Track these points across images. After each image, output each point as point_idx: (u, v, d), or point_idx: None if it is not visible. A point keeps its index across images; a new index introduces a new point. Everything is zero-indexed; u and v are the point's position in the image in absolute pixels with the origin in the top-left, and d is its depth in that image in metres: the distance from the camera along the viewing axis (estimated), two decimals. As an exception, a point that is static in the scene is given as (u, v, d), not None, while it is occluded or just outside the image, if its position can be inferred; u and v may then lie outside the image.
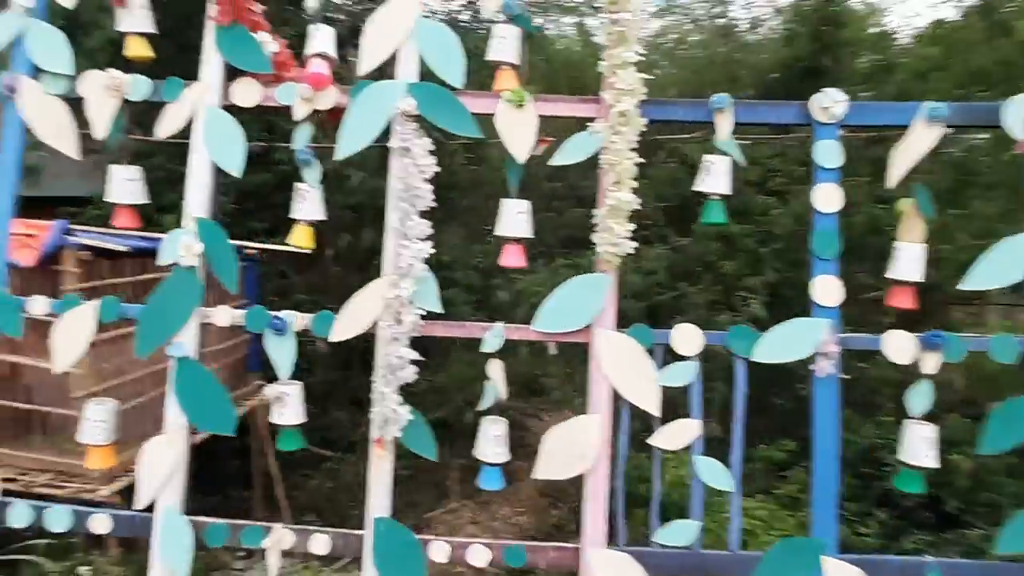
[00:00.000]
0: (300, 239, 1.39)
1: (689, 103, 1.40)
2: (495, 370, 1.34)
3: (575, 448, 1.30)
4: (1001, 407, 1.27)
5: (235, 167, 1.34)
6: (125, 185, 1.37)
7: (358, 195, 7.00)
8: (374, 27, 1.36)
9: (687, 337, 1.32)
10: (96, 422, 1.34)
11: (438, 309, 1.31)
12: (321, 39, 1.36)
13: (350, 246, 7.16)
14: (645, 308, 6.06)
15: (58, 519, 1.31)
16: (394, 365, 1.27)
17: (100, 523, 1.30)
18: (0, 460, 4.38)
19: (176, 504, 1.29)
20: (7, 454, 4.44)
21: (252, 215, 7.07)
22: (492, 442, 1.33)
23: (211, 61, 1.36)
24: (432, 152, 1.33)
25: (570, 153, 1.35)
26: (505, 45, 1.37)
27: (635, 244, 1.30)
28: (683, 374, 1.32)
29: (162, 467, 1.29)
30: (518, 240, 1.37)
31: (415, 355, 1.29)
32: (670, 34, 8.52)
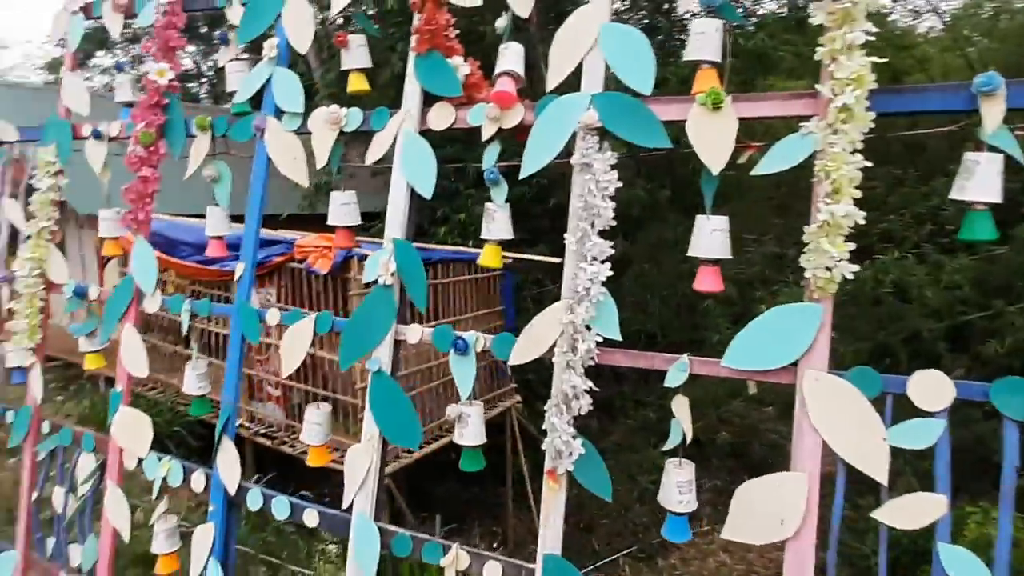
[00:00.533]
0: (489, 259, 1.38)
1: (940, 88, 1.10)
2: (681, 407, 1.19)
3: (774, 509, 1.09)
4: None
5: (427, 190, 1.38)
6: (342, 209, 1.49)
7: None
8: (561, 38, 1.30)
9: (931, 387, 1.03)
10: (313, 424, 1.48)
11: (617, 336, 1.20)
12: (509, 57, 1.34)
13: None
14: (945, 329, 5.11)
15: (281, 508, 1.47)
16: (567, 395, 1.20)
17: (310, 517, 1.43)
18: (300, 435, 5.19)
19: (367, 510, 1.37)
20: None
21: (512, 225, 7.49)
22: (677, 489, 1.19)
23: (411, 89, 1.42)
24: (614, 167, 1.22)
25: (777, 160, 1.14)
26: (706, 41, 1.21)
27: (884, 259, 1.05)
28: (923, 434, 1.03)
29: (358, 473, 1.37)
30: (715, 261, 1.20)
31: (589, 384, 1.20)
32: (987, 3, 7.09)
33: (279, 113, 1.55)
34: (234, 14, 1.62)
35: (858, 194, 1.06)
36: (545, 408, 1.22)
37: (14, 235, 1.88)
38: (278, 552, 4.37)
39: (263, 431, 5.76)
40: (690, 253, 1.22)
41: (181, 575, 1.60)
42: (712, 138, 1.17)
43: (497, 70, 1.35)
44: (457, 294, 6.41)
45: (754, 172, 1.17)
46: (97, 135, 1.74)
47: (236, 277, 1.56)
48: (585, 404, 1.20)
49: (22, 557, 1.84)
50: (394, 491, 5.60)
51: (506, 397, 7.02)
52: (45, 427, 1.83)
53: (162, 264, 6.13)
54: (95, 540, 1.69)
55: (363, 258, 4.51)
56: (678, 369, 1.17)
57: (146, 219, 1.66)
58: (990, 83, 1.01)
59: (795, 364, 1.09)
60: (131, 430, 1.61)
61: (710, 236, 1.19)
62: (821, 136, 1.09)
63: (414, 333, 1.38)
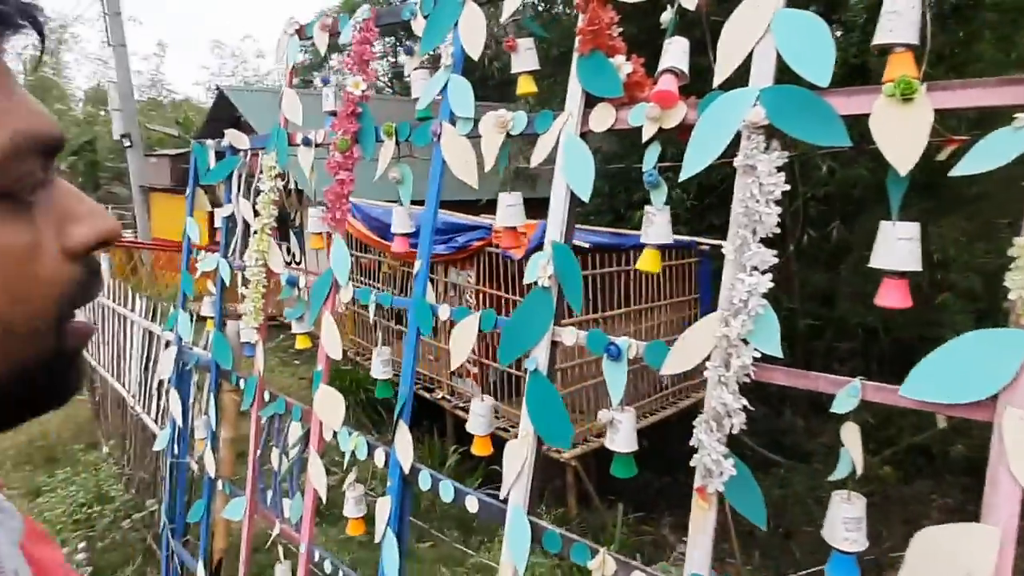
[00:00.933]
0: (647, 264, 1.34)
1: None
2: (851, 435, 1.07)
3: (960, 562, 0.95)
4: None
5: (584, 193, 1.38)
6: (508, 211, 1.54)
7: (828, 185, 6.41)
8: (730, 28, 1.21)
9: None
10: (478, 416, 1.56)
11: (777, 353, 1.11)
12: (672, 53, 1.28)
13: (814, 242, 6.62)
14: None
15: (446, 492, 1.57)
16: (718, 413, 1.13)
17: (471, 503, 1.51)
18: (502, 413, 5.50)
19: (521, 503, 1.41)
20: (506, 409, 5.54)
21: (712, 210, 7.17)
22: (844, 525, 1.07)
23: (574, 90, 1.42)
24: (780, 168, 1.12)
25: (983, 158, 0.97)
26: (900, 21, 1.06)
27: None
28: None
29: (514, 466, 1.42)
30: (902, 274, 1.05)
31: (743, 403, 1.12)
32: None
33: (453, 118, 1.63)
34: (418, 26, 1.73)
35: (1088, 201, 0.87)
36: (694, 423, 1.17)
37: (245, 231, 2.20)
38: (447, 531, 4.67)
39: (462, 404, 6.15)
40: (872, 264, 1.08)
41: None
42: (901, 134, 1.03)
43: (660, 67, 1.30)
44: (650, 280, 6.30)
45: (953, 172, 1.00)
46: (307, 142, 1.96)
47: (416, 269, 1.67)
48: (738, 423, 1.13)
49: (249, 503, 2.18)
50: (581, 474, 5.70)
51: (700, 388, 6.78)
52: (267, 395, 2.13)
53: (380, 247, 6.78)
54: (300, 498, 1.94)
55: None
56: (848, 395, 1.05)
57: (342, 217, 1.85)
58: None
59: (994, 398, 0.93)
60: (328, 406, 1.82)
61: (895, 245, 1.05)
62: (1041, 129, 0.90)
63: (569, 336, 1.39)
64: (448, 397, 6.10)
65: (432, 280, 6.36)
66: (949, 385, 0.96)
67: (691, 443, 1.17)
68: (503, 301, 5.65)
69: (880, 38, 1.08)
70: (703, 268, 6.86)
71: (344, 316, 7.61)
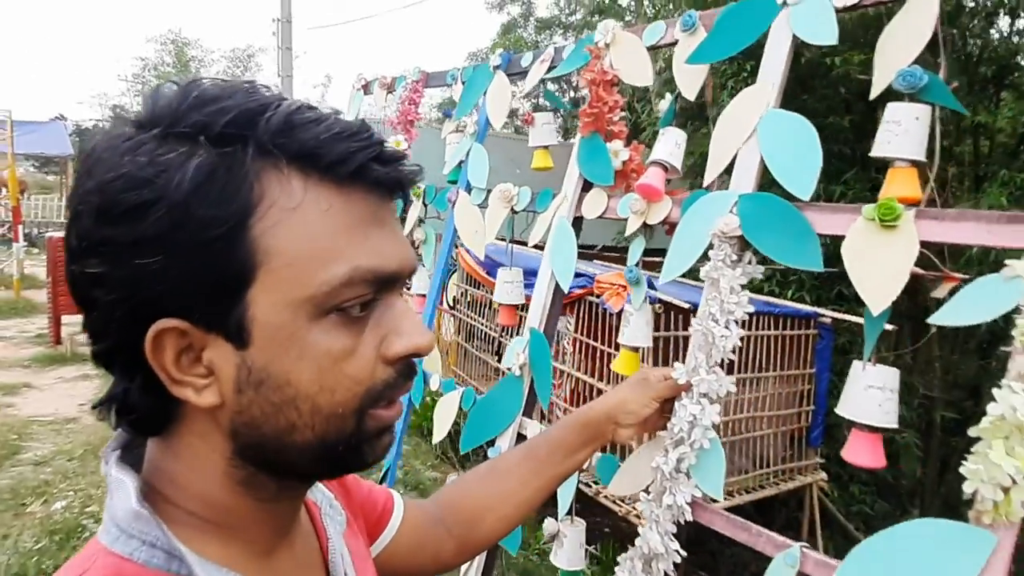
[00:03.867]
0: (622, 366, 1.24)
1: None
2: (790, 610, 0.90)
3: None
4: None
5: (565, 282, 1.30)
6: (505, 287, 1.49)
7: (983, 264, 5.71)
8: (721, 125, 1.10)
9: None
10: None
11: (717, 496, 0.97)
12: (663, 145, 1.18)
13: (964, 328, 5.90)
14: None
15: (513, 541, 1.42)
16: (645, 554, 1.00)
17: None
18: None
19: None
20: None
21: (843, 279, 6.57)
22: None
23: (573, 172, 1.36)
24: (745, 287, 0.99)
25: (967, 309, 0.80)
26: (902, 134, 0.91)
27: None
28: None
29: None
30: (873, 428, 0.89)
31: (676, 547, 0.99)
32: None
33: (470, 187, 1.61)
34: (456, 92, 1.74)
35: (1077, 385, 0.68)
36: (618, 560, 1.05)
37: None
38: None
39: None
40: (838, 411, 0.93)
41: None
42: (878, 266, 0.87)
43: (649, 159, 1.21)
44: (760, 350, 5.91)
45: (932, 320, 0.84)
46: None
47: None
48: (669, 567, 0.99)
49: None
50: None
51: (807, 471, 6.26)
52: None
53: (487, 283, 6.89)
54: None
55: (658, 300, 4.45)
56: (785, 562, 0.89)
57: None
58: None
59: (945, 610, 0.75)
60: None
61: (864, 394, 0.89)
62: (1031, 289, 0.73)
63: (533, 429, 1.31)
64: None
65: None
66: (891, 579, 0.79)
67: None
68: (598, 352, 5.52)
69: (878, 150, 0.93)
70: (823, 342, 6.32)
71: (448, 347, 7.77)
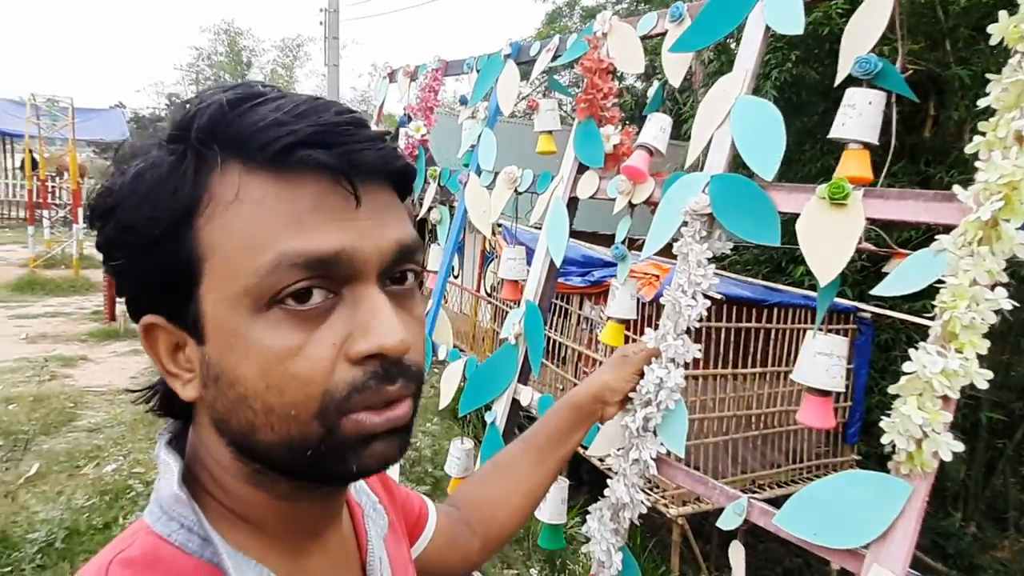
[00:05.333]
0: (609, 337, 1.33)
1: None
2: (736, 556, 0.98)
3: None
4: None
5: (558, 256, 1.39)
6: (508, 264, 1.58)
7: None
8: (702, 110, 1.17)
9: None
10: (454, 457, 1.61)
11: (679, 452, 1.05)
12: (649, 129, 1.26)
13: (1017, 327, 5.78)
14: None
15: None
16: (614, 504, 1.09)
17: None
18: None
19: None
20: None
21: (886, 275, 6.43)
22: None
23: (570, 154, 1.44)
24: (713, 259, 1.06)
25: (903, 279, 0.86)
26: (856, 117, 0.97)
27: None
28: None
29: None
30: (824, 392, 0.96)
31: (642, 498, 1.07)
32: None
33: (479, 169, 1.71)
34: (471, 80, 1.84)
35: (984, 347, 0.74)
36: (589, 509, 1.14)
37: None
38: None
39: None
40: (793, 376, 1.00)
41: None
42: (826, 241, 0.94)
43: (636, 142, 1.28)
44: (795, 343, 5.86)
45: (875, 291, 0.90)
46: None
47: (429, 305, 1.77)
48: (634, 516, 1.08)
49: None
50: (688, 534, 5.42)
51: (843, 468, 6.19)
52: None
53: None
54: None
55: None
56: (733, 511, 0.97)
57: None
58: None
59: (867, 547, 0.82)
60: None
61: (813, 361, 0.96)
62: (953, 258, 0.79)
63: (526, 395, 1.41)
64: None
65: (567, 311, 6.37)
66: (816, 524, 0.86)
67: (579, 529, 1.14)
68: (629, 340, 5.55)
69: (834, 131, 1.00)
70: (863, 338, 6.23)
71: (485, 334, 7.90)
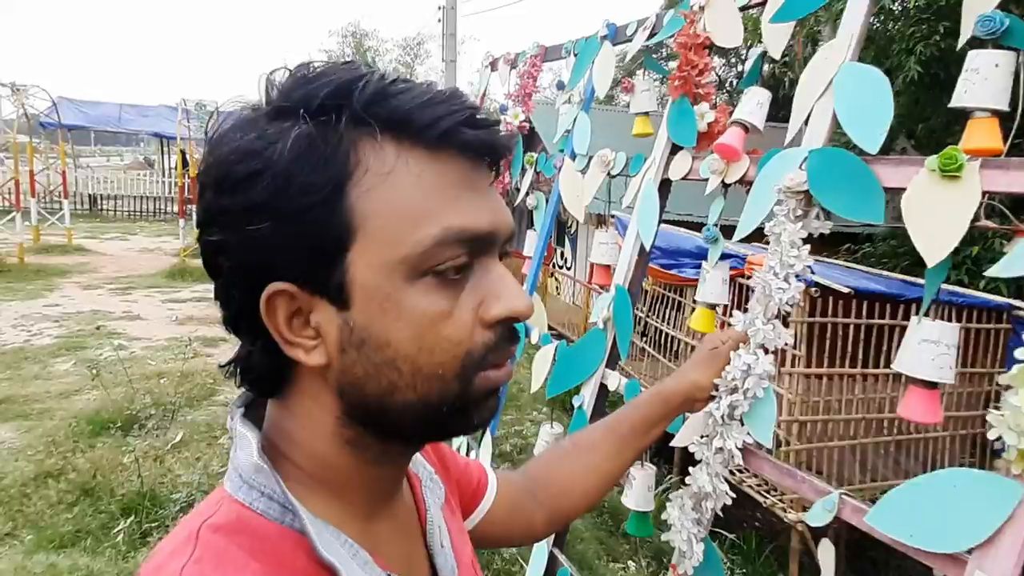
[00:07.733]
0: (698, 323, 1.28)
1: None
2: (825, 554, 0.92)
3: None
4: None
5: (648, 238, 1.35)
6: (600, 248, 1.56)
7: None
8: (803, 82, 1.10)
9: None
10: (543, 441, 1.61)
11: (766, 443, 0.99)
12: (745, 105, 1.19)
13: None
14: None
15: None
16: (696, 493, 1.05)
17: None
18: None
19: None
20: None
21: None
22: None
23: (662, 135, 1.39)
24: (807, 240, 0.99)
25: (1022, 261, 0.77)
26: (981, 82, 0.88)
27: None
28: None
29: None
30: (930, 384, 0.88)
31: (725, 488, 1.03)
32: None
33: (575, 154, 1.70)
34: (568, 64, 1.82)
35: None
36: (670, 497, 1.10)
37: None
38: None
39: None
40: (894, 366, 0.92)
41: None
42: (935, 218, 0.85)
43: (731, 118, 1.22)
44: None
45: (990, 273, 0.81)
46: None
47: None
48: (717, 507, 1.04)
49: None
50: (810, 543, 5.12)
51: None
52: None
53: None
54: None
55: (815, 284, 4.25)
56: (823, 507, 0.91)
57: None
58: None
59: (969, 553, 0.74)
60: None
61: (917, 349, 0.87)
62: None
63: (613, 380, 1.38)
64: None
65: (680, 304, 6.18)
66: (916, 525, 0.79)
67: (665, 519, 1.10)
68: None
69: (956, 100, 0.90)
70: (1016, 338, 5.61)
71: (582, 328, 7.84)
